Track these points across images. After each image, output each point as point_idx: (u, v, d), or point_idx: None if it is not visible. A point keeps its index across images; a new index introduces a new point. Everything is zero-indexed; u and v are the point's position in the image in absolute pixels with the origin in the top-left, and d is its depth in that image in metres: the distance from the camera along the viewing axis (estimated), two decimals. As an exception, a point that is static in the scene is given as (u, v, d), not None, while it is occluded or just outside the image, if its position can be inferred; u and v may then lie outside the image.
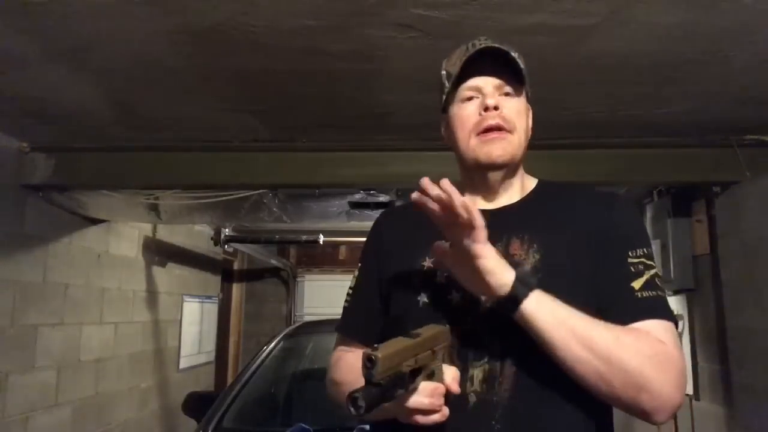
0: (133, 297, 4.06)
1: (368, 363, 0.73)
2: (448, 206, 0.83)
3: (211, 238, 5.12)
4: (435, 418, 0.82)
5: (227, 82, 2.17)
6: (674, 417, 3.59)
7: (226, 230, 4.99)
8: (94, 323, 3.56)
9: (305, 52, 1.90)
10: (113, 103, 2.38)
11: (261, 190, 3.28)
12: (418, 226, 1.04)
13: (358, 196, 3.28)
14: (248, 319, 6.50)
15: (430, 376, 0.83)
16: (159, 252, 4.41)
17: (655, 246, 3.56)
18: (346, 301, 1.15)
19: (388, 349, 0.75)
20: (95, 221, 3.52)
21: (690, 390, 3.48)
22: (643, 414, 0.85)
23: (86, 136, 2.78)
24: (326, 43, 1.83)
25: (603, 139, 2.81)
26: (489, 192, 1.05)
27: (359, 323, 1.10)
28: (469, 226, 0.83)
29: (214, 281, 5.59)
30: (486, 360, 0.92)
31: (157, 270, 4.39)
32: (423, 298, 0.98)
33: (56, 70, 2.04)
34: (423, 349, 0.81)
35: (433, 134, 2.72)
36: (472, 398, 0.91)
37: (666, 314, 0.94)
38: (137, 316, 4.11)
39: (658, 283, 0.96)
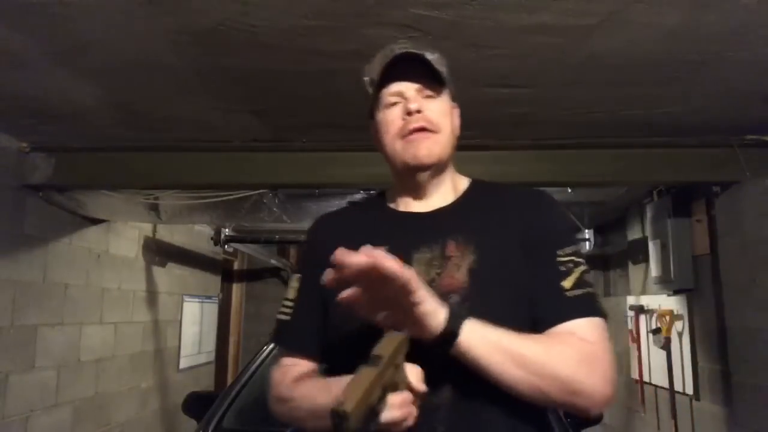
0: (133, 297, 4.06)
1: (337, 419, 0.69)
2: (371, 273, 0.80)
3: (211, 238, 5.12)
4: (408, 423, 0.82)
5: (227, 82, 2.17)
6: (674, 417, 3.60)
7: (226, 230, 4.99)
8: (94, 323, 3.56)
9: (305, 52, 1.90)
10: (113, 103, 2.38)
11: (261, 190, 3.29)
12: (356, 232, 1.05)
13: (358, 196, 3.28)
14: (248, 319, 6.49)
15: (394, 388, 0.81)
16: (159, 252, 4.41)
17: (655, 246, 3.56)
18: (283, 313, 1.10)
19: (354, 393, 0.71)
20: (95, 221, 3.52)
21: (690, 390, 3.48)
22: (579, 412, 0.90)
23: (86, 136, 2.78)
24: (326, 43, 1.83)
25: (603, 139, 2.81)
26: (420, 194, 1.06)
27: (302, 337, 1.07)
28: (400, 284, 0.81)
29: (214, 281, 5.59)
30: (427, 362, 0.91)
31: (157, 270, 4.39)
32: None
33: (56, 70, 2.04)
34: (388, 371, 0.78)
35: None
36: None
37: (594, 311, 0.95)
38: (137, 316, 4.11)
39: (587, 279, 0.98)
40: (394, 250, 0.97)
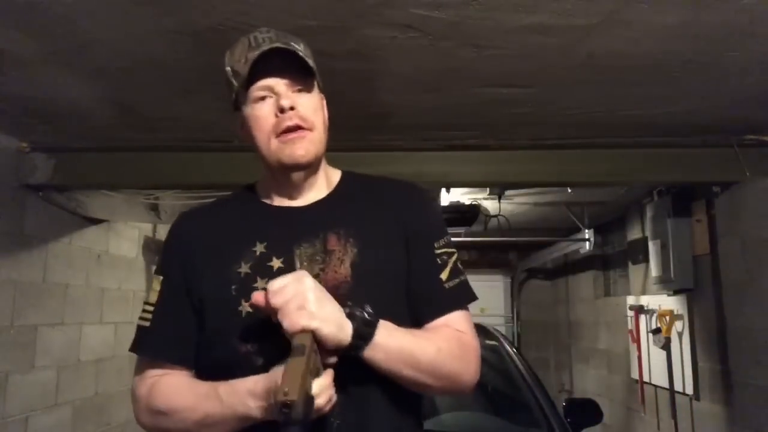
0: (133, 297, 4.06)
1: (285, 409, 0.72)
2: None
3: (211, 238, 5.12)
4: (332, 402, 0.85)
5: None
6: (674, 417, 3.60)
7: (226, 230, 4.98)
8: (94, 323, 3.56)
9: (305, 52, 1.89)
10: (113, 103, 2.38)
11: (261, 190, 3.28)
12: (225, 229, 1.04)
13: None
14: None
15: (317, 372, 0.83)
16: (159, 252, 4.40)
17: (655, 246, 3.56)
18: (143, 318, 1.04)
19: (294, 384, 0.74)
20: (95, 221, 3.52)
21: (690, 390, 3.49)
22: (455, 394, 1.04)
23: (86, 136, 2.78)
24: (326, 43, 1.83)
25: (603, 139, 2.81)
26: (295, 190, 1.05)
27: (170, 344, 1.01)
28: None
29: (214, 281, 5.58)
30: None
31: (157, 270, 4.38)
32: (245, 308, 0.94)
33: (56, 70, 2.04)
34: (311, 358, 0.81)
35: (432, 134, 2.73)
36: None
37: (466, 298, 1.05)
38: (137, 316, 4.10)
39: (459, 267, 1.05)
40: (273, 246, 0.98)
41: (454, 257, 1.05)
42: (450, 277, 1.02)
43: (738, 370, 2.93)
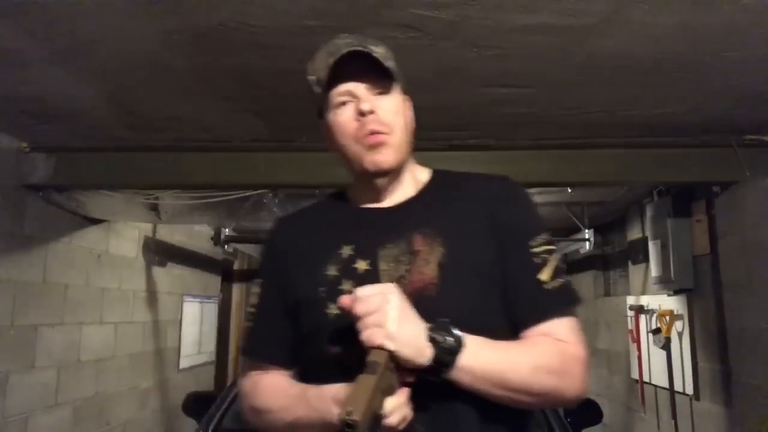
0: (133, 297, 4.06)
1: (347, 428, 0.72)
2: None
3: (211, 238, 5.12)
4: (406, 422, 0.83)
5: (227, 82, 2.17)
6: (674, 417, 3.60)
7: (226, 230, 4.99)
8: (94, 323, 3.56)
9: (305, 52, 1.88)
10: (113, 103, 2.38)
11: (261, 190, 3.29)
12: (316, 232, 1.05)
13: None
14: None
15: (391, 390, 0.82)
16: (159, 252, 4.41)
17: (655, 246, 3.56)
18: (248, 320, 1.08)
19: (360, 403, 0.73)
20: (95, 221, 3.52)
21: (690, 390, 3.49)
22: (557, 407, 0.96)
23: (86, 136, 2.78)
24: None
25: (603, 139, 2.81)
26: (381, 193, 1.04)
27: (268, 345, 1.05)
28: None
29: (214, 281, 5.59)
30: None
31: (157, 270, 4.39)
32: (333, 310, 0.94)
33: (56, 70, 2.04)
34: (384, 376, 0.80)
35: (432, 134, 2.73)
36: None
37: (572, 302, 0.97)
38: (137, 316, 4.11)
39: (562, 267, 0.98)
40: (360, 249, 0.98)
41: (556, 256, 0.97)
42: (551, 278, 0.94)
43: (738, 370, 2.93)
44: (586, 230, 4.53)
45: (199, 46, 1.86)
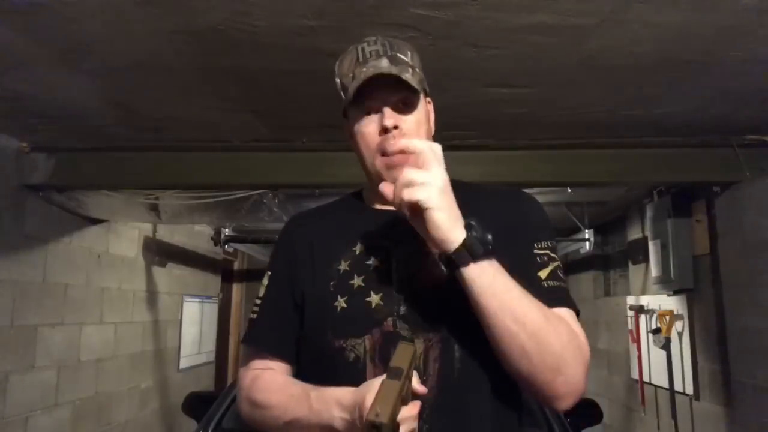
0: (133, 297, 4.06)
1: (373, 430, 0.73)
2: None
3: (211, 238, 5.12)
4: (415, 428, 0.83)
5: (227, 82, 2.17)
6: (674, 417, 3.60)
7: (226, 230, 4.99)
8: (94, 323, 3.56)
9: (305, 52, 1.90)
10: (113, 103, 2.38)
11: (261, 190, 3.29)
12: (330, 229, 1.06)
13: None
14: (248, 319, 6.50)
15: (407, 398, 0.83)
16: (159, 252, 4.41)
17: (655, 246, 3.56)
18: (253, 312, 1.09)
19: (386, 406, 0.74)
20: (95, 221, 3.52)
21: (690, 390, 3.49)
22: (552, 398, 0.88)
23: (86, 136, 2.78)
24: (326, 43, 1.83)
25: (603, 139, 2.81)
26: None
27: (273, 336, 1.05)
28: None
29: (214, 281, 5.59)
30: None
31: (157, 270, 4.39)
32: (340, 303, 0.96)
33: (56, 70, 2.04)
34: (406, 383, 0.81)
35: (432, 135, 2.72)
36: None
37: (572, 304, 0.96)
38: (137, 316, 4.11)
39: (561, 275, 0.98)
40: (372, 246, 0.99)
41: (556, 264, 0.98)
42: (549, 278, 0.96)
43: (738, 370, 2.93)
44: (586, 230, 4.53)
45: (199, 46, 1.86)
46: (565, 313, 0.93)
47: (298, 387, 0.97)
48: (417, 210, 0.84)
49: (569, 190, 3.46)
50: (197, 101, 2.36)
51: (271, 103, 2.39)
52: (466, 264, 0.84)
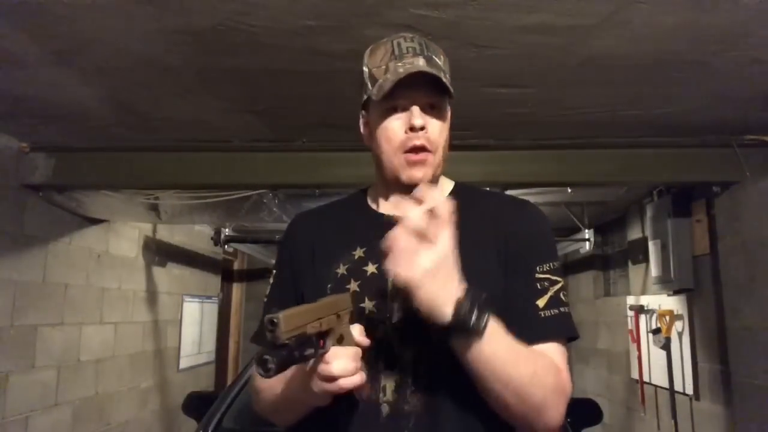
0: (133, 297, 4.06)
1: (270, 326, 0.72)
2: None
3: (211, 238, 5.11)
4: (356, 380, 0.82)
5: (227, 82, 2.17)
6: (674, 417, 3.60)
7: (226, 230, 4.98)
8: (94, 323, 3.56)
9: (305, 52, 1.90)
10: (113, 103, 2.38)
11: (261, 190, 3.28)
12: (333, 231, 1.06)
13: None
14: (248, 319, 6.49)
15: (340, 341, 0.83)
16: (159, 252, 4.41)
17: (655, 246, 3.56)
18: (264, 311, 1.06)
19: (290, 311, 0.75)
20: (95, 221, 3.52)
21: (690, 390, 3.49)
22: (530, 430, 0.92)
23: (86, 136, 2.78)
24: (326, 43, 1.83)
25: (603, 139, 2.81)
26: (404, 201, 1.02)
27: None
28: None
29: (214, 281, 5.59)
30: (397, 370, 0.93)
31: (157, 270, 4.39)
32: None
33: (56, 70, 2.04)
34: (326, 312, 0.81)
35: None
36: (385, 408, 0.92)
37: (567, 332, 0.97)
38: (137, 316, 4.11)
39: (563, 298, 0.97)
40: (371, 252, 0.99)
41: (558, 286, 0.97)
42: (548, 306, 0.95)
43: (738, 370, 2.93)
44: (586, 230, 4.52)
45: (199, 46, 1.86)
46: (553, 349, 0.94)
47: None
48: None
49: (569, 190, 3.45)
50: (197, 101, 2.36)
51: (271, 103, 2.39)
52: (461, 338, 0.83)
